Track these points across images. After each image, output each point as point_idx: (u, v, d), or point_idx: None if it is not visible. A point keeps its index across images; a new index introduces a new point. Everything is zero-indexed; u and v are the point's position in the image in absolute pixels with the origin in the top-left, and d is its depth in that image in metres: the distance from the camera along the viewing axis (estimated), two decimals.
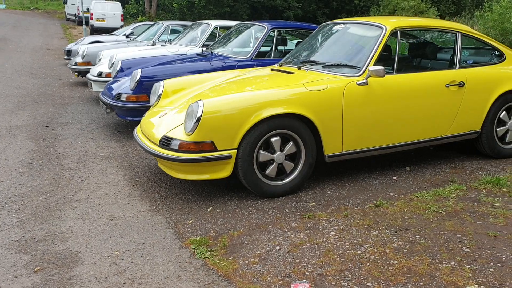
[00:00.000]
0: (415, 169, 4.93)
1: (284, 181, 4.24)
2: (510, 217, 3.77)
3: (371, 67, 4.28)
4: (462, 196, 4.21)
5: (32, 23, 32.08)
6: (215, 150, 3.92)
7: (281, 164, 4.20)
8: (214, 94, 4.50)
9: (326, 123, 4.22)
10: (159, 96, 5.06)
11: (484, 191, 4.33)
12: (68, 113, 8.04)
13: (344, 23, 5.17)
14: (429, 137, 4.77)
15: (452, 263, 3.12)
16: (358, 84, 4.31)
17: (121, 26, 25.46)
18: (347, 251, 3.29)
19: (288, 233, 3.58)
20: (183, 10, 32.77)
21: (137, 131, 4.66)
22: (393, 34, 4.63)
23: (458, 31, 4.98)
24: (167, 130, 4.19)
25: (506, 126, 5.17)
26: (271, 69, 5.16)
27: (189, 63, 6.66)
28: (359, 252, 3.28)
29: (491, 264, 3.10)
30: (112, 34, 16.30)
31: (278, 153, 4.14)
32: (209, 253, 3.29)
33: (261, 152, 4.09)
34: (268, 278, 2.98)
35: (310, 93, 4.17)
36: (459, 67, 4.86)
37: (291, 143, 4.19)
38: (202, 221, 3.80)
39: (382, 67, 4.27)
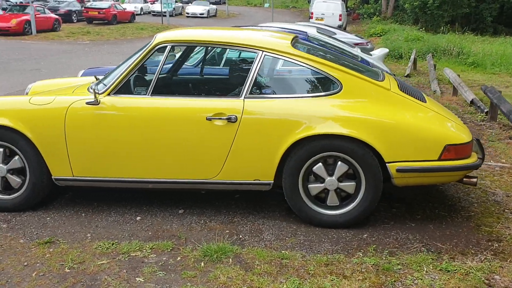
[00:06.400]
0: (187, 213, 4.02)
1: (10, 196, 4.05)
2: None
3: (93, 85, 3.74)
4: (122, 260, 3.31)
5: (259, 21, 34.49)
6: None
7: (4, 178, 4.03)
8: None
9: (46, 142, 3.88)
10: None
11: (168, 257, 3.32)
12: None
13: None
14: (191, 178, 3.83)
15: None
16: (87, 103, 3.79)
17: (338, 26, 25.64)
18: None
19: None
20: (416, 11, 31.04)
21: None
22: (162, 48, 3.85)
23: (261, 50, 3.78)
24: None
25: (323, 184, 3.73)
26: None
27: None
28: None
29: None
30: None
31: None
32: None
33: None
34: None
35: (30, 107, 3.91)
36: (247, 97, 3.72)
37: (16, 157, 3.98)
38: None
39: (95, 86, 3.69)
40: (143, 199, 4.25)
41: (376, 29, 25.31)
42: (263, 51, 3.79)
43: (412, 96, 3.88)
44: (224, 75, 4.18)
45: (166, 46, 3.86)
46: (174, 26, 27.03)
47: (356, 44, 14.13)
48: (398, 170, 3.60)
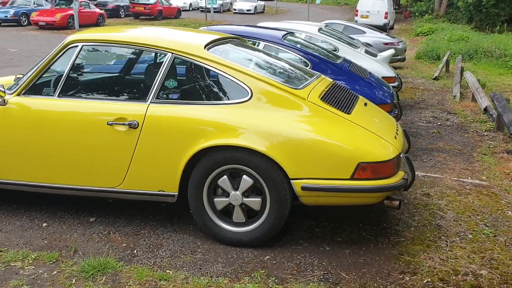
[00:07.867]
0: (97, 222, 3.83)
1: None
2: None
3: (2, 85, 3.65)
4: None
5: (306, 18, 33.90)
6: None
7: None
8: None
9: None
10: None
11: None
12: None
13: None
14: (95, 186, 3.64)
15: None
16: None
17: (384, 24, 24.89)
18: None
19: None
20: (470, 9, 29.53)
21: None
22: (72, 48, 3.69)
23: (170, 52, 3.53)
24: None
25: (228, 199, 3.44)
26: None
27: None
28: None
29: None
30: None
31: None
32: None
33: None
34: None
35: None
36: (153, 101, 3.49)
37: None
38: None
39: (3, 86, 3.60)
40: (62, 204, 4.10)
41: (423, 28, 24.21)
42: (172, 53, 3.54)
43: (334, 106, 3.50)
44: (134, 78, 3.98)
45: (77, 46, 3.68)
46: (217, 22, 27.00)
47: (386, 43, 13.58)
48: (303, 188, 3.25)
